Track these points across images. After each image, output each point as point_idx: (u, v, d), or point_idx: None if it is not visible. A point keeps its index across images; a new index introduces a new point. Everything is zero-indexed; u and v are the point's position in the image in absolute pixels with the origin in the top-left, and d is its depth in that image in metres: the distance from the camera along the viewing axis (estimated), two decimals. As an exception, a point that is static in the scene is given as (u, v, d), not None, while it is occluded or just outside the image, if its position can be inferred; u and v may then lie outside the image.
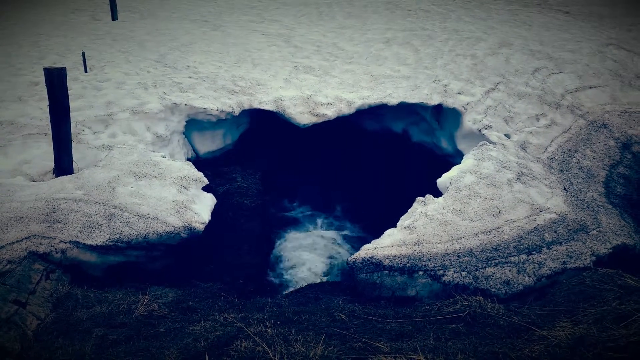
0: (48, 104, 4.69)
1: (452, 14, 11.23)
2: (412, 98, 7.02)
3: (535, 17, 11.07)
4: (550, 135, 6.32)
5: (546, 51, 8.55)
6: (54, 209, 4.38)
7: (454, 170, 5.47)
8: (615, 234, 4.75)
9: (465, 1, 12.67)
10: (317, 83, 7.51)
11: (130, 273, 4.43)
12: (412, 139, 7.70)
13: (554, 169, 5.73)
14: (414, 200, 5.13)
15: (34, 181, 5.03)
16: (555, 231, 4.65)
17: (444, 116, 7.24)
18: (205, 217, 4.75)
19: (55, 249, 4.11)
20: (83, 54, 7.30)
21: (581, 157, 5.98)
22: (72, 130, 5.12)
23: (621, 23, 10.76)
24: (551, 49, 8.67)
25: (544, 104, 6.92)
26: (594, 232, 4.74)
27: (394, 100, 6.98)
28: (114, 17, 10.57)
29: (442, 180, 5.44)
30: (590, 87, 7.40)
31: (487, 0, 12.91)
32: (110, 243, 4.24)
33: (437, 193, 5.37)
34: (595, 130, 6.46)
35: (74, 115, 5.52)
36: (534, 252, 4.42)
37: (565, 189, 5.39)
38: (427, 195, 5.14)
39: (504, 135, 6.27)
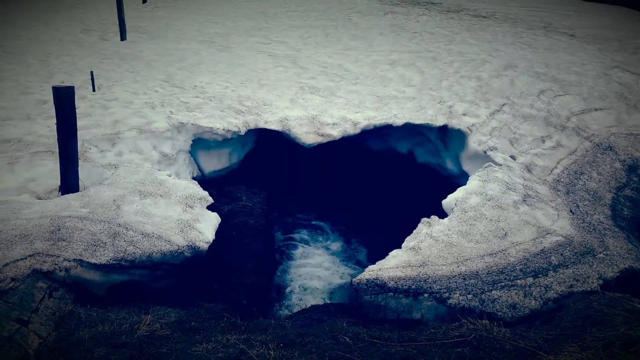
0: (56, 122, 4.73)
1: (457, 37, 11.32)
2: (417, 119, 7.04)
3: (540, 40, 11.14)
4: (556, 157, 6.30)
5: (551, 73, 8.58)
6: (59, 227, 4.38)
7: (460, 192, 5.46)
8: (623, 257, 4.70)
9: (470, 24, 12.78)
10: (322, 103, 7.55)
11: (133, 292, 4.41)
12: (417, 159, 7.70)
13: (560, 191, 5.70)
14: (419, 221, 5.11)
15: (39, 199, 5.05)
16: (562, 254, 4.61)
17: (449, 137, 7.25)
18: (210, 236, 4.74)
19: (59, 267, 4.10)
20: (91, 73, 7.38)
21: (587, 180, 5.95)
22: (79, 148, 5.15)
23: (626, 46, 10.80)
24: (556, 71, 8.70)
25: (549, 125, 6.92)
26: (601, 255, 4.69)
27: (399, 121, 7.00)
28: (123, 38, 10.71)
29: (448, 202, 5.42)
30: (596, 110, 7.40)
31: (492, 23, 13.01)
32: (114, 262, 4.23)
33: (442, 214, 5.34)
34: (601, 152, 6.44)
35: (81, 134, 5.57)
36: (540, 275, 4.37)
37: (571, 211, 5.35)
38: (433, 216, 5.12)
39: (510, 156, 6.27)
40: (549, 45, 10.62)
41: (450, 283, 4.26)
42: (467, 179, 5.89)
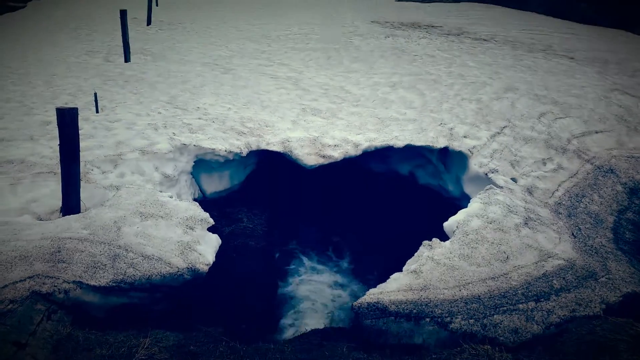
0: (59, 143, 4.76)
1: (457, 59, 11.43)
2: (418, 141, 7.07)
3: (540, 63, 11.24)
4: (557, 180, 6.31)
5: (551, 96, 8.63)
6: (59, 248, 4.38)
7: (461, 214, 5.45)
8: (625, 281, 4.67)
9: (470, 47, 12.91)
10: (324, 125, 7.60)
11: (132, 315, 4.38)
12: (418, 181, 7.71)
13: (561, 214, 5.69)
14: (420, 243, 5.09)
15: (41, 220, 5.05)
16: (564, 278, 4.58)
17: (450, 159, 7.26)
18: (210, 258, 4.72)
19: (59, 289, 4.08)
20: (95, 94, 7.45)
21: (589, 202, 5.94)
22: (81, 169, 5.17)
23: (625, 69, 10.89)
24: (556, 94, 8.75)
25: (550, 148, 6.94)
26: (603, 279, 4.66)
27: (400, 143, 7.03)
28: (127, 59, 10.83)
29: (449, 224, 5.41)
30: (596, 132, 7.43)
31: (492, 46, 13.15)
32: (114, 284, 4.21)
33: (444, 236, 5.33)
34: (602, 175, 6.44)
35: (83, 155, 5.59)
36: (542, 300, 4.34)
37: (573, 234, 5.33)
38: (434, 239, 5.10)
39: (511, 179, 6.27)
40: (549, 68, 10.71)
41: (452, 307, 4.22)
42: (469, 201, 5.89)
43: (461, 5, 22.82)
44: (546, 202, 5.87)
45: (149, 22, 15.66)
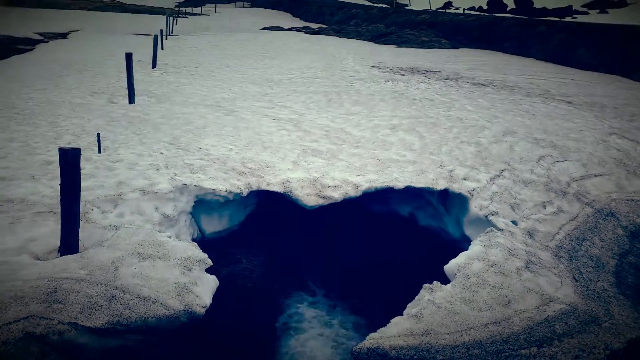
0: (60, 183, 4.78)
1: (455, 103, 11.60)
2: (418, 182, 7.10)
3: (538, 107, 11.40)
4: (557, 223, 6.29)
5: (550, 139, 8.72)
6: (55, 288, 4.33)
7: (462, 257, 5.41)
8: (630, 327, 4.59)
9: (468, 91, 13.13)
10: (324, 166, 7.65)
11: (128, 357, 4.29)
12: (418, 222, 7.69)
13: (562, 257, 5.65)
14: (420, 286, 5.03)
15: (38, 259, 5.02)
16: (566, 323, 4.50)
17: (450, 201, 7.27)
18: (207, 300, 4.66)
19: (53, 331, 4.01)
20: (98, 135, 7.54)
21: (590, 246, 5.91)
22: (81, 209, 5.17)
23: (623, 113, 11.03)
24: (555, 138, 8.84)
25: (549, 191, 6.95)
26: (607, 324, 4.58)
27: (400, 184, 7.06)
28: (131, 101, 11.01)
29: (450, 267, 5.36)
30: (596, 176, 7.46)
31: (490, 90, 13.37)
32: (109, 326, 4.14)
33: (445, 279, 5.27)
34: (603, 218, 6.43)
35: (84, 195, 5.61)
36: (545, 345, 4.25)
37: (574, 278, 5.28)
38: (435, 282, 5.05)
39: (511, 222, 6.26)
40: (547, 112, 10.85)
41: (453, 353, 4.14)
42: (469, 244, 5.86)
43: (459, 51, 23.35)
44: (547, 246, 5.84)
45: (154, 65, 16.00)
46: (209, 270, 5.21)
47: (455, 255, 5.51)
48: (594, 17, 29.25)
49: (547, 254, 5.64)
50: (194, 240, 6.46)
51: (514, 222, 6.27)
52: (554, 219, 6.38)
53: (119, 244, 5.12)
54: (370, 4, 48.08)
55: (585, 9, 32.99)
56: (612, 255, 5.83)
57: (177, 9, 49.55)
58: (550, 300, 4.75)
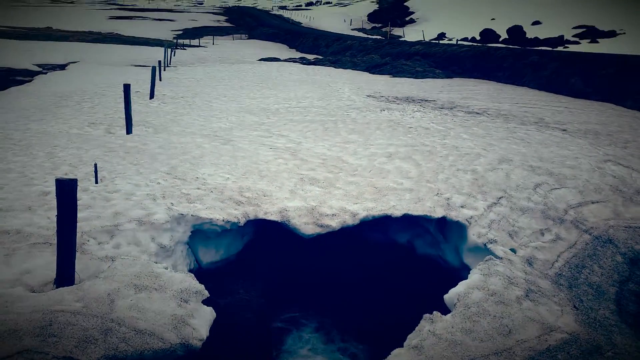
0: (56, 214, 4.76)
1: (451, 132, 11.69)
2: (416, 210, 7.09)
3: (533, 135, 11.50)
4: (556, 251, 6.27)
5: (546, 167, 8.77)
6: (50, 321, 4.26)
7: (461, 286, 5.38)
8: (633, 356, 4.53)
9: (463, 120, 13.26)
10: (321, 194, 7.64)
11: (122, 393, 4.19)
12: (417, 251, 7.66)
13: (562, 285, 5.61)
14: (420, 316, 4.97)
15: (34, 292, 4.95)
16: (568, 352, 4.44)
17: (448, 229, 7.26)
18: (204, 332, 4.60)
19: (47, 366, 3.93)
20: (95, 165, 7.54)
21: (589, 273, 5.88)
22: (77, 240, 5.13)
23: (617, 140, 11.13)
24: (551, 165, 8.89)
25: (547, 218, 6.95)
26: (609, 353, 4.52)
27: (397, 212, 7.05)
28: (129, 131, 11.06)
29: (450, 296, 5.32)
30: (593, 202, 7.48)
31: (485, 119, 13.51)
32: (104, 360, 4.06)
33: (445, 308, 5.22)
34: (601, 245, 6.42)
35: (80, 226, 5.58)
36: (548, 376, 4.19)
37: (575, 306, 5.23)
38: (435, 312, 5.00)
39: (510, 249, 6.24)
40: (542, 140, 10.94)
41: (454, 384, 4.07)
42: (469, 272, 5.83)
43: (453, 80, 23.66)
44: (546, 273, 5.81)
45: (152, 96, 16.13)
46: (205, 302, 5.14)
47: (454, 284, 5.48)
48: (585, 47, 29.80)
49: (547, 282, 5.61)
50: (190, 270, 6.40)
51: (513, 250, 6.25)
52: (553, 246, 6.36)
53: (115, 275, 5.06)
54: (365, 35, 48.93)
55: (576, 39, 33.61)
56: (612, 283, 5.80)
57: (175, 40, 50.28)
58: (552, 329, 4.70)
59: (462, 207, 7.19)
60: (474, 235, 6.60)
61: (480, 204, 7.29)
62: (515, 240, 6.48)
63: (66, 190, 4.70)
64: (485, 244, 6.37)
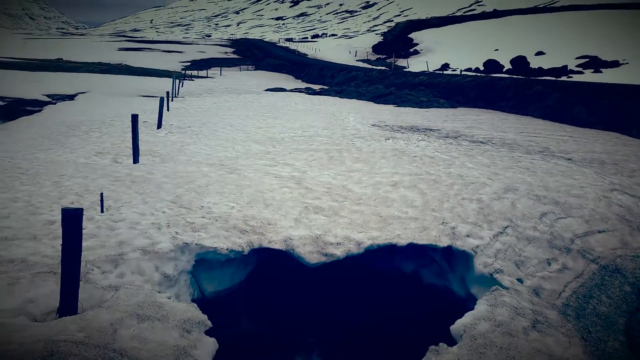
0: (61, 243, 4.77)
1: (456, 161, 11.72)
2: (421, 239, 7.06)
3: (538, 164, 11.50)
4: (563, 281, 6.20)
5: (551, 196, 8.74)
6: (52, 352, 4.23)
7: (468, 317, 5.31)
8: (644, 390, 4.43)
9: (468, 149, 13.29)
10: (326, 223, 7.64)
11: None
12: (423, 280, 7.59)
13: (569, 315, 5.53)
14: (426, 347, 4.90)
15: (36, 321, 4.93)
16: (579, 386, 4.34)
17: (454, 258, 7.20)
18: (207, 363, 4.54)
19: (47, 397, 3.88)
20: (101, 194, 7.59)
21: (597, 304, 5.79)
22: (82, 269, 5.14)
23: (622, 169, 11.11)
24: (556, 194, 8.86)
25: (554, 248, 6.90)
26: (621, 387, 4.42)
27: (402, 241, 7.02)
28: (136, 160, 11.15)
29: (456, 328, 5.25)
30: (599, 232, 7.42)
31: (489, 148, 13.54)
32: (105, 391, 4.01)
33: (451, 339, 5.14)
34: (609, 275, 6.34)
35: (84, 255, 5.59)
36: (557, 410, 4.09)
37: (583, 338, 5.14)
38: (441, 344, 4.92)
39: (517, 279, 6.17)
40: (548, 169, 10.93)
41: (461, 418, 3.97)
42: (475, 303, 5.76)
43: (457, 110, 23.82)
44: (553, 304, 5.73)
45: (159, 126, 16.32)
46: (208, 332, 5.10)
47: (461, 315, 5.41)
48: (588, 77, 30.03)
49: (554, 313, 5.52)
50: (194, 300, 6.37)
51: (520, 280, 6.18)
52: (560, 276, 6.29)
53: (119, 305, 5.04)
54: (370, 66, 49.59)
55: (580, 69, 33.89)
56: (621, 314, 5.71)
57: (183, 71, 51.14)
58: (560, 361, 4.61)
59: (467, 236, 7.15)
60: (480, 265, 6.54)
61: (486, 233, 7.25)
62: (522, 270, 6.41)
63: (72, 220, 4.73)
64: (491, 274, 6.31)
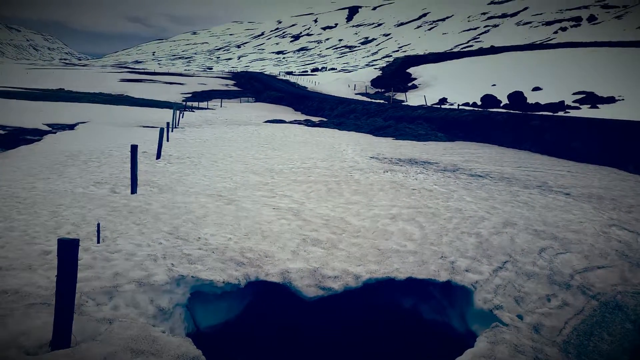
0: (56, 274, 4.72)
1: (454, 194, 11.73)
2: (420, 274, 7.01)
3: (536, 198, 11.50)
4: (563, 317, 6.12)
5: (550, 231, 8.71)
6: (41, 386, 4.13)
7: (468, 355, 5.22)
8: None
9: (466, 182, 13.32)
10: (324, 256, 7.58)
11: None
12: (422, 315, 7.48)
13: (570, 353, 5.43)
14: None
15: (28, 354, 4.83)
16: None
17: (453, 293, 7.13)
18: (201, 400, 4.43)
19: None
20: (98, 225, 7.55)
21: (598, 341, 5.70)
22: (76, 301, 5.06)
23: (620, 205, 11.11)
24: (555, 229, 8.84)
25: (553, 284, 6.83)
26: None
27: (401, 276, 6.96)
28: (133, 191, 11.14)
29: (455, 365, 5.15)
30: (599, 268, 7.37)
31: (488, 182, 13.57)
32: None
33: (450, 378, 5.04)
34: (610, 312, 6.27)
35: (79, 286, 5.52)
36: None
37: (586, 377, 5.04)
38: (439, 381, 4.82)
39: (516, 316, 6.09)
40: (546, 204, 10.93)
41: None
42: (475, 339, 5.67)
43: (455, 144, 23.98)
44: (554, 341, 5.64)
45: (158, 156, 16.37)
46: (203, 367, 4.99)
47: (461, 352, 5.32)
48: (585, 112, 30.33)
49: (555, 350, 5.43)
50: (188, 334, 6.26)
51: (520, 317, 6.10)
52: (560, 312, 6.22)
53: (112, 338, 4.95)
54: (369, 100, 50.17)
55: (577, 104, 34.27)
56: (623, 351, 5.62)
57: (184, 103, 51.63)
58: (562, 401, 4.51)
59: (467, 271, 7.10)
60: (480, 300, 6.47)
61: (486, 268, 7.20)
62: (522, 306, 6.34)
63: (67, 250, 4.69)
64: (491, 310, 6.24)
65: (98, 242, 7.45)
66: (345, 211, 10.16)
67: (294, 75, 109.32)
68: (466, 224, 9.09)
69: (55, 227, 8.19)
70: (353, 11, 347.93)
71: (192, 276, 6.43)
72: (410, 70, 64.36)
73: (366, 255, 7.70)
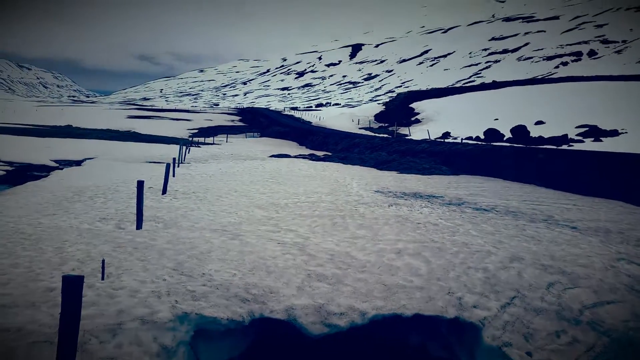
0: (60, 311, 4.69)
1: (460, 228, 11.67)
2: (427, 310, 6.91)
3: (543, 232, 11.42)
4: (574, 354, 5.99)
5: (558, 266, 8.62)
6: None
7: (476, 393, 5.09)
8: None
9: (472, 216, 13.27)
10: (329, 292, 7.51)
11: None
12: (429, 353, 7.34)
13: (584, 393, 5.29)
14: None
15: (27, 394, 4.76)
16: None
17: (461, 330, 7.01)
18: None
19: None
20: (102, 261, 7.54)
21: (612, 380, 5.56)
22: (79, 339, 5.01)
23: (628, 238, 11.00)
24: (563, 264, 8.74)
25: (562, 320, 6.72)
26: None
27: (408, 312, 6.87)
28: (139, 226, 11.15)
29: (463, 404, 5.02)
30: (608, 303, 7.24)
31: (493, 216, 13.51)
32: None
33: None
34: (622, 348, 6.13)
35: (83, 324, 5.47)
36: None
37: (600, 417, 4.90)
38: (448, 422, 4.69)
39: (526, 353, 5.98)
40: (553, 238, 10.85)
41: None
42: (483, 378, 5.54)
43: (460, 177, 24.00)
44: (566, 380, 5.50)
45: (164, 192, 16.45)
46: (206, 407, 4.89)
47: (469, 391, 5.19)
48: (589, 145, 30.42)
49: (567, 390, 5.30)
50: (192, 372, 6.15)
51: (529, 354, 5.98)
52: (570, 349, 6.09)
53: (114, 377, 4.87)
54: (372, 134, 50.55)
55: (580, 138, 34.38)
56: (637, 391, 5.47)
57: (190, 138, 52.18)
58: None
59: (474, 307, 7.00)
60: (489, 337, 6.36)
61: (493, 303, 7.10)
62: (531, 342, 6.22)
63: (72, 288, 4.68)
64: (500, 347, 6.12)
65: (102, 278, 7.42)
66: (351, 245, 10.11)
67: (299, 110, 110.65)
68: (473, 259, 9.01)
69: (60, 264, 8.17)
70: (356, 49, 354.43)
71: (195, 313, 6.37)
72: (413, 105, 65.01)
73: (372, 290, 7.62)
